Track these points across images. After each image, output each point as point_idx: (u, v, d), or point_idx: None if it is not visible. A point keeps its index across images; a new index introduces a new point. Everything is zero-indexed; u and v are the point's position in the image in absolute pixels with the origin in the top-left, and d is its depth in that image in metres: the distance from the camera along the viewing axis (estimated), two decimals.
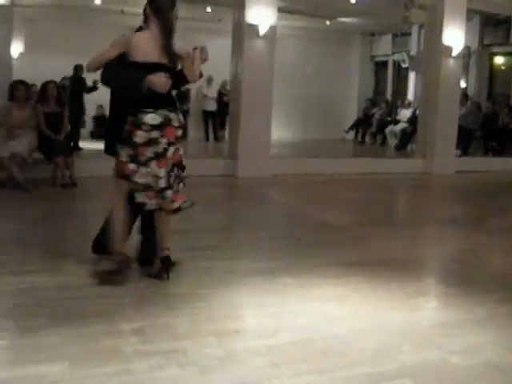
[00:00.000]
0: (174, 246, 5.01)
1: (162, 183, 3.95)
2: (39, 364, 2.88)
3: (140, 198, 4.02)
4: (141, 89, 3.88)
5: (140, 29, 4.22)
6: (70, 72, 11.75)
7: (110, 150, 4.28)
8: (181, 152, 4.09)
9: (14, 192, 7.36)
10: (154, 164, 3.91)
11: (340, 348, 3.21)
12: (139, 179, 3.94)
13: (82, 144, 11.50)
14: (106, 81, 4.13)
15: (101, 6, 13.75)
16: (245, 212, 7.05)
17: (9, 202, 6.99)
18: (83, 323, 3.36)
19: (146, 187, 3.96)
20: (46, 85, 8.21)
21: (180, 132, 4.05)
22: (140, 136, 3.88)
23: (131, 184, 4.00)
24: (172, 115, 3.97)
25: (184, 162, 4.16)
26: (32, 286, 3.97)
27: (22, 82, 8.09)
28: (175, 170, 4.06)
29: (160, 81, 3.91)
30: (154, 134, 3.89)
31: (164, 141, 3.92)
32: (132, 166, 3.92)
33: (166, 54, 3.99)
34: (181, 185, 4.17)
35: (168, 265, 4.16)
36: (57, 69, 12.19)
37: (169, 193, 4.01)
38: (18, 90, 7.93)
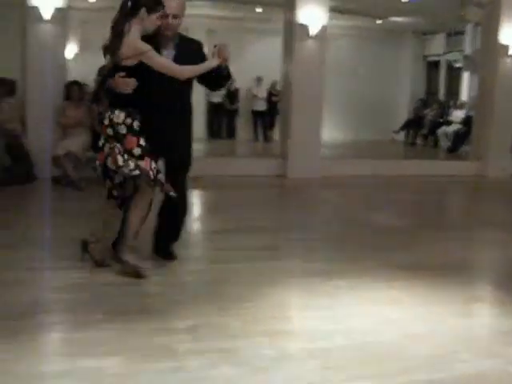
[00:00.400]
0: (226, 245, 5.09)
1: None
2: (97, 357, 2.95)
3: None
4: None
5: None
6: None
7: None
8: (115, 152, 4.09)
9: (67, 189, 7.53)
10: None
11: (394, 353, 3.15)
12: None
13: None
14: None
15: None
16: (296, 213, 7.03)
17: (63, 199, 7.16)
18: (138, 319, 3.41)
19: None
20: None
21: (111, 130, 4.10)
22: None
23: None
24: (107, 114, 4.13)
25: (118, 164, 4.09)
26: (88, 281, 4.07)
27: (76, 83, 8.26)
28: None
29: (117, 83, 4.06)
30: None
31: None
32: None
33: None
34: None
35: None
36: None
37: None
38: (73, 90, 8.11)
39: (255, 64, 14.82)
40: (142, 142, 4.08)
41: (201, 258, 4.91)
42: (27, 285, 4.01)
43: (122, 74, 4.01)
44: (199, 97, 15.26)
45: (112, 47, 4.06)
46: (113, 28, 4.09)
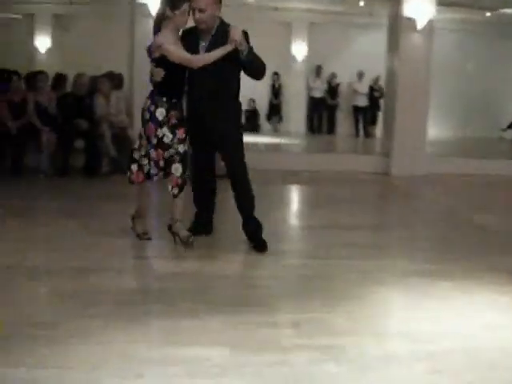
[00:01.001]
0: (327, 241, 5.05)
1: None
2: (203, 346, 2.99)
3: None
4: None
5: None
6: None
7: None
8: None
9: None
10: None
11: (506, 361, 3.00)
12: None
13: None
14: None
15: (254, 2, 13.99)
16: (399, 211, 6.88)
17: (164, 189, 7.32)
18: (241, 311, 3.44)
19: None
20: None
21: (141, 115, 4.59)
22: None
23: None
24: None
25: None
26: (192, 271, 4.15)
27: None
28: None
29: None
30: None
31: None
32: None
33: None
34: None
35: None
36: None
37: None
38: None
39: (357, 58, 14.63)
40: (160, 133, 4.42)
41: (302, 252, 4.90)
42: (133, 273, 4.16)
43: (153, 64, 4.47)
44: (300, 91, 15.31)
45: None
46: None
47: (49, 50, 16.75)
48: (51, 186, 7.42)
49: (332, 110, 15.15)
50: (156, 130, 4.42)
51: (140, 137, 4.61)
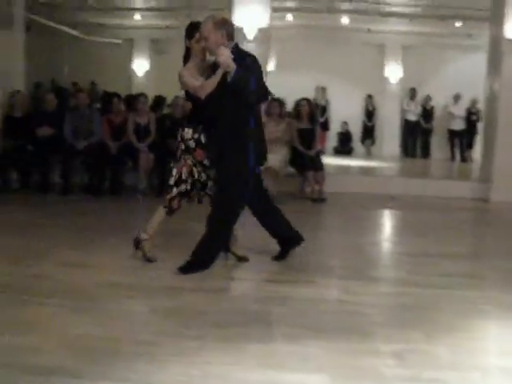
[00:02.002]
0: (423, 269, 4.89)
1: None
2: (302, 372, 2.95)
3: None
4: None
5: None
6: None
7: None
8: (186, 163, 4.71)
9: None
10: None
11: None
12: None
13: (326, 159, 11.73)
14: None
15: (348, 25, 13.96)
16: (499, 239, 6.54)
17: None
18: (341, 337, 3.36)
19: None
20: (299, 102, 8.54)
21: (182, 146, 4.68)
22: None
23: None
24: (179, 132, 4.72)
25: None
26: (287, 295, 4.10)
27: (276, 100, 8.48)
28: None
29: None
30: None
31: None
32: None
33: None
34: None
35: None
36: (303, 87, 12.69)
37: None
38: (273, 106, 8.35)
39: (453, 81, 14.27)
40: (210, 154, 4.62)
41: (399, 280, 4.74)
42: (230, 294, 4.17)
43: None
44: (394, 114, 15.09)
45: None
46: None
47: (146, 73, 17.37)
48: (148, 204, 7.60)
49: (427, 133, 14.80)
50: (205, 153, 4.62)
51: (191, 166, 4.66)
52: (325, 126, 13.50)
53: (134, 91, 13.68)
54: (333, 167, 10.84)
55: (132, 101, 8.69)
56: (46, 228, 6.10)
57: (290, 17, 13.79)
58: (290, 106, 8.91)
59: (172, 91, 10.85)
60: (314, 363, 3.05)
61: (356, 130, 15.31)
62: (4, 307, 3.73)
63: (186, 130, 4.61)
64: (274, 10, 9.43)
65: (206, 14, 12.98)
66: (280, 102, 8.45)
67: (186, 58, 4.66)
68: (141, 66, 17.44)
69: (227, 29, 4.46)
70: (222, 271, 4.64)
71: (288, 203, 7.66)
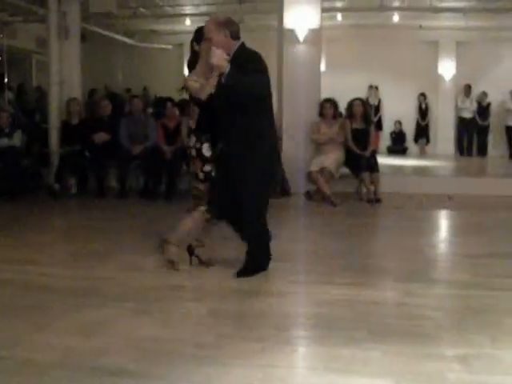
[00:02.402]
0: (484, 270, 4.76)
1: None
2: (365, 376, 2.91)
3: None
4: None
5: None
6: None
7: None
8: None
9: (321, 205, 7.71)
10: None
11: None
12: None
13: (379, 159, 11.58)
14: None
15: (399, 22, 13.76)
16: None
17: (316, 214, 7.35)
18: (403, 341, 3.31)
19: None
20: (352, 102, 8.47)
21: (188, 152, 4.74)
22: None
23: None
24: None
25: None
26: (348, 298, 4.07)
27: (329, 100, 8.45)
28: None
29: None
30: None
31: None
32: None
33: None
34: None
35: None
36: (355, 86, 12.58)
37: None
38: (326, 107, 8.32)
39: (510, 76, 13.89)
40: (207, 168, 4.56)
41: (461, 282, 4.62)
42: (291, 297, 4.16)
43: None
44: (448, 112, 14.80)
45: None
46: None
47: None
48: None
49: (483, 130, 14.44)
50: (203, 166, 4.58)
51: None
52: (378, 126, 13.35)
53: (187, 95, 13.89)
54: (387, 167, 10.66)
55: (185, 105, 8.77)
56: (105, 232, 6.23)
57: (339, 17, 13.70)
58: (342, 106, 8.84)
59: None
60: (378, 367, 3.01)
61: (409, 129, 15.08)
62: (69, 310, 3.82)
63: (191, 136, 4.63)
64: (324, 10, 9.37)
65: (256, 17, 13.19)
66: (333, 103, 8.39)
67: (193, 62, 4.62)
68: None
69: (231, 28, 4.32)
70: (281, 274, 4.63)
71: (343, 205, 7.63)
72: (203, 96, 4.39)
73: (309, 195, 8.13)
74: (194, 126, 4.63)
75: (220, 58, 4.12)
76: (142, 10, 13.54)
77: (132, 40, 16.49)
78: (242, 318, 3.67)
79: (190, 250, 4.71)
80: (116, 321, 3.64)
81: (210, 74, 4.38)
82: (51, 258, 5.09)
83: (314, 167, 7.93)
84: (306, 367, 3.04)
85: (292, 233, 6.29)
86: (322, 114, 8.34)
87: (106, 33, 14.43)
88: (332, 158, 8.00)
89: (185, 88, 4.63)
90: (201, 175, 4.62)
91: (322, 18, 8.95)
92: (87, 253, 5.25)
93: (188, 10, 14.34)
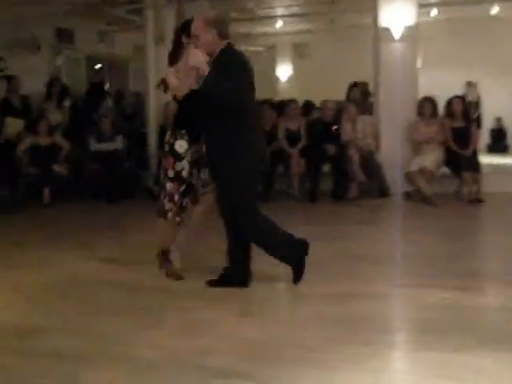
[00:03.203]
0: None
1: None
2: None
3: None
4: None
5: None
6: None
7: None
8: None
9: (421, 206, 7.52)
10: None
11: None
12: None
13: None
14: None
15: (498, 14, 13.20)
16: None
17: (416, 215, 7.18)
18: None
19: None
20: (451, 100, 8.22)
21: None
22: None
23: None
24: None
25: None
26: (454, 302, 3.95)
27: (428, 99, 8.23)
28: None
29: None
30: None
31: None
32: None
33: None
34: None
35: None
36: (452, 83, 12.19)
37: None
38: (425, 106, 8.12)
39: None
40: (178, 166, 4.29)
41: None
42: (397, 301, 4.09)
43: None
44: None
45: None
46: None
47: (289, 78, 17.60)
48: (300, 209, 7.68)
49: None
50: (174, 164, 4.32)
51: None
52: (477, 124, 12.86)
53: (279, 96, 13.96)
54: (487, 166, 10.24)
55: (282, 107, 8.84)
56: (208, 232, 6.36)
57: (434, 11, 13.34)
58: (439, 104, 8.59)
59: (317, 94, 10.94)
60: (491, 377, 2.88)
61: (511, 126, 14.45)
62: (175, 311, 3.93)
63: (167, 131, 4.46)
64: (420, 6, 9.15)
65: (348, 16, 13.06)
66: (432, 102, 8.17)
67: (175, 54, 4.47)
68: (284, 71, 17.70)
69: (220, 27, 4.17)
70: (384, 276, 4.58)
71: (443, 205, 7.42)
72: (179, 94, 4.29)
73: (408, 195, 7.97)
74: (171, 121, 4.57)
75: (198, 59, 4.02)
76: (233, 13, 13.74)
77: None
78: (347, 322, 3.63)
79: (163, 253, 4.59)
80: (220, 322, 3.69)
81: (190, 72, 4.19)
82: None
83: (414, 167, 7.76)
84: (417, 373, 2.96)
85: (392, 234, 6.18)
86: (420, 113, 8.14)
87: None
88: (432, 158, 7.79)
89: (162, 83, 4.49)
90: (171, 173, 4.34)
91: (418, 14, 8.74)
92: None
93: (279, 11, 14.38)
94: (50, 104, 9.43)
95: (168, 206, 4.41)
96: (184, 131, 4.32)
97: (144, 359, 3.16)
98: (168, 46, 9.56)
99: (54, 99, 9.64)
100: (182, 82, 4.26)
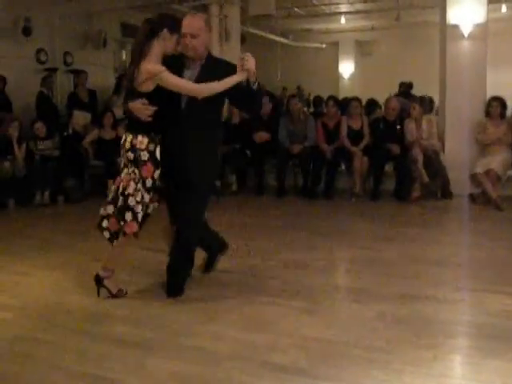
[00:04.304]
0: None
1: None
2: None
3: None
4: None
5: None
6: None
7: None
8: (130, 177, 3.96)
9: (486, 208, 7.34)
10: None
11: None
12: None
13: None
14: None
15: None
16: None
17: (480, 218, 7.01)
18: None
19: None
20: None
21: (130, 155, 3.95)
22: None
23: None
24: (128, 137, 3.96)
25: (127, 191, 3.95)
26: None
27: (497, 99, 8.00)
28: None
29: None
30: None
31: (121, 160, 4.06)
32: None
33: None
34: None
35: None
36: None
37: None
38: (493, 106, 7.90)
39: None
40: (156, 174, 3.96)
41: None
42: (461, 304, 4.01)
43: (144, 101, 3.87)
44: None
45: (128, 73, 3.98)
46: (132, 53, 4.08)
47: (352, 76, 17.46)
48: (362, 208, 7.61)
49: None
50: (154, 172, 3.95)
51: (134, 180, 3.95)
52: None
53: (341, 94, 13.88)
54: None
55: (346, 104, 8.77)
56: (266, 228, 6.40)
57: (504, 8, 12.95)
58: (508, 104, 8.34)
59: (379, 92, 10.81)
60: None
61: None
62: (239, 305, 3.97)
63: (140, 138, 3.92)
64: (490, 2, 8.89)
65: (412, 13, 12.81)
66: (501, 101, 7.92)
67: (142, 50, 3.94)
68: (347, 68, 17.58)
69: (208, 32, 4.15)
70: (447, 279, 4.50)
71: (509, 209, 7.21)
72: (202, 95, 3.88)
73: (472, 198, 7.77)
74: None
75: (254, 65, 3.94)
76: (297, 9, 13.71)
77: (287, 40, 16.76)
78: (409, 323, 3.59)
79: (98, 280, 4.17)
80: (283, 318, 3.71)
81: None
82: None
83: (480, 169, 7.56)
84: (482, 381, 2.89)
85: (455, 237, 6.06)
86: (488, 113, 7.92)
87: (264, 34, 14.78)
88: (499, 160, 7.56)
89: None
90: (149, 182, 3.95)
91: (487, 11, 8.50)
92: (250, 249, 5.40)
93: (343, 8, 14.27)
94: (117, 98, 9.64)
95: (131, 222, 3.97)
96: (159, 136, 3.99)
97: (207, 351, 3.21)
98: (232, 42, 9.79)
99: (122, 93, 9.80)
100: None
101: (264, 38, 14.95)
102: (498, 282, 4.41)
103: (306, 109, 12.04)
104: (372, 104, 9.62)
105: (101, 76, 11.10)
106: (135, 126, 3.97)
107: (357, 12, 14.41)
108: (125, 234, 3.97)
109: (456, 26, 8.39)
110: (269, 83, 15.44)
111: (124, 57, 12.36)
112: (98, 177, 8.51)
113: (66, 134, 9.20)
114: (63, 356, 3.22)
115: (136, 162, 3.93)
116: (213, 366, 3.04)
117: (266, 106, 8.71)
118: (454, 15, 8.41)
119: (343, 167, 8.50)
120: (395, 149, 7.94)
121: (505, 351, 3.18)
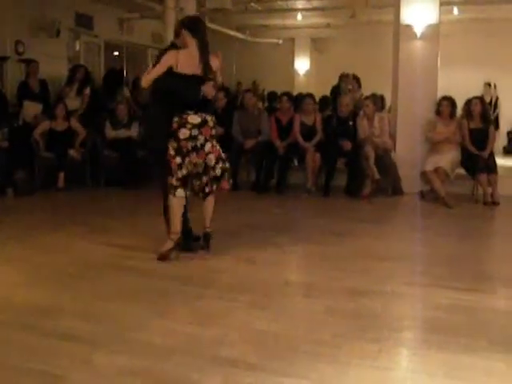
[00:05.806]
0: None
1: (200, 170, 4.85)
2: None
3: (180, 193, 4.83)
4: (198, 96, 4.74)
5: (173, 45, 5.05)
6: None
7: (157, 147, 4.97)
8: (217, 147, 4.90)
9: (435, 206, 7.50)
10: (193, 155, 4.76)
11: None
12: (182, 173, 4.76)
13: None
14: (161, 88, 4.80)
15: None
16: None
17: (429, 215, 7.16)
18: None
19: (187, 177, 4.81)
20: (470, 101, 8.16)
21: (214, 131, 4.86)
22: (183, 133, 4.72)
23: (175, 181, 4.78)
24: (208, 117, 4.79)
25: (223, 154, 4.95)
26: (465, 304, 3.93)
27: (447, 98, 8.15)
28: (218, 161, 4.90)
29: (209, 90, 4.77)
30: (194, 131, 4.72)
31: (201, 137, 4.75)
32: (178, 160, 4.74)
33: (203, 67, 4.78)
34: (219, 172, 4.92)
35: (208, 239, 5.05)
36: (470, 84, 12.12)
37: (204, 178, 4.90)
38: (443, 105, 8.06)
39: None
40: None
41: None
42: (405, 299, 4.09)
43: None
44: None
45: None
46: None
47: (307, 72, 17.55)
48: (313, 203, 7.69)
49: None
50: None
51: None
52: (495, 125, 12.77)
53: (296, 90, 13.94)
54: (504, 168, 10.19)
55: (299, 101, 8.83)
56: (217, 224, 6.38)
57: (455, 11, 13.24)
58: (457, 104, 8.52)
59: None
60: (501, 379, 2.90)
61: None
62: (189, 299, 3.96)
63: (213, 117, 4.90)
64: (442, 4, 9.08)
65: (367, 11, 12.95)
66: (451, 101, 8.09)
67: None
68: (302, 64, 17.66)
69: None
70: (395, 274, 4.58)
71: (458, 206, 7.39)
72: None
73: (422, 195, 7.94)
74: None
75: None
76: (253, 5, 13.71)
77: (244, 35, 16.74)
78: (356, 318, 3.64)
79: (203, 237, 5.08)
80: (232, 312, 3.72)
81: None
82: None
83: (429, 167, 7.72)
84: (425, 372, 2.96)
85: (405, 233, 6.18)
86: (438, 113, 8.09)
87: (221, 28, 14.72)
88: (448, 158, 7.74)
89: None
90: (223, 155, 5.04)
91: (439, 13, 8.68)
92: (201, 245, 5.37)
93: (300, 4, 14.34)
94: (70, 89, 9.46)
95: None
96: None
97: (157, 346, 3.19)
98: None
99: (76, 85, 9.64)
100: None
101: (220, 32, 14.90)
102: (446, 277, 4.52)
103: (260, 104, 12.05)
104: (325, 101, 9.70)
105: (53, 66, 10.86)
106: (210, 107, 4.87)
107: (313, 9, 14.50)
108: (221, 189, 5.00)
109: (409, 26, 8.55)
110: (224, 78, 15.45)
111: (77, 47, 12.13)
112: (49, 169, 8.36)
113: (15, 124, 8.97)
114: (9, 352, 3.15)
115: (214, 136, 4.87)
116: (161, 360, 3.03)
117: (221, 101, 8.69)
118: (407, 15, 8.57)
119: (296, 163, 8.56)
120: (347, 145, 8.04)
121: (449, 343, 3.25)
